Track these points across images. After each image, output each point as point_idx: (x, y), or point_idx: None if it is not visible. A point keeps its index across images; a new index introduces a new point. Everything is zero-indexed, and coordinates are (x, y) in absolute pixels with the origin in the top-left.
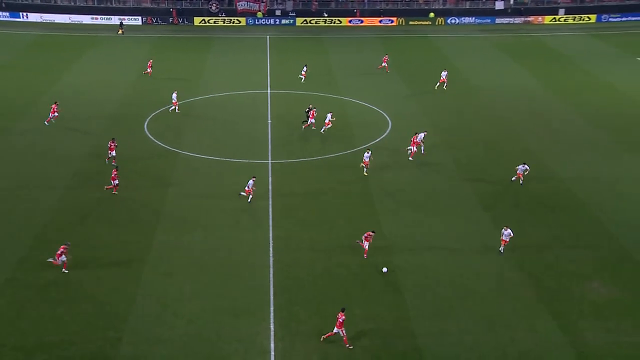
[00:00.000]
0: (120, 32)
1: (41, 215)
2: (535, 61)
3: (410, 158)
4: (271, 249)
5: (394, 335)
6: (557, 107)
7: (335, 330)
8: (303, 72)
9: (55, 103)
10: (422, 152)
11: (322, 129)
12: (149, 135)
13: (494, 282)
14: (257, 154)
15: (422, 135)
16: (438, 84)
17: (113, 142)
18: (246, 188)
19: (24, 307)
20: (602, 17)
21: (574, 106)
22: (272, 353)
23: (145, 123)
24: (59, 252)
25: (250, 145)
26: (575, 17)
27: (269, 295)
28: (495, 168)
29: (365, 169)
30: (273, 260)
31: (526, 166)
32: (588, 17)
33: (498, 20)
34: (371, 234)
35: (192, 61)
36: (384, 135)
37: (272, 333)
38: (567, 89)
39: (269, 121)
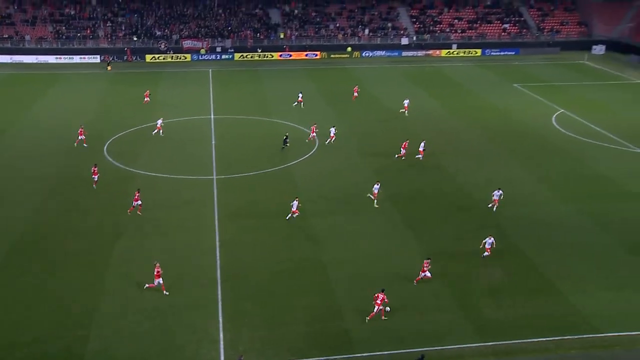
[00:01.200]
0: (109, 68)
1: (16, 227)
2: (435, 87)
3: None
4: (218, 251)
5: (327, 320)
6: (456, 124)
7: (376, 309)
8: (299, 99)
9: (81, 127)
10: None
11: (327, 141)
12: (108, 157)
13: (404, 271)
14: (203, 171)
15: (422, 144)
16: (401, 110)
17: (95, 167)
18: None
19: None
20: (486, 51)
21: (469, 123)
22: (222, 342)
23: (105, 146)
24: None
25: (197, 163)
26: (465, 51)
27: (217, 291)
28: (414, 181)
29: (375, 201)
30: (220, 261)
31: (500, 191)
32: (475, 51)
33: (404, 53)
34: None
35: (143, 93)
36: (312, 152)
37: (220, 325)
38: (462, 109)
39: (213, 142)
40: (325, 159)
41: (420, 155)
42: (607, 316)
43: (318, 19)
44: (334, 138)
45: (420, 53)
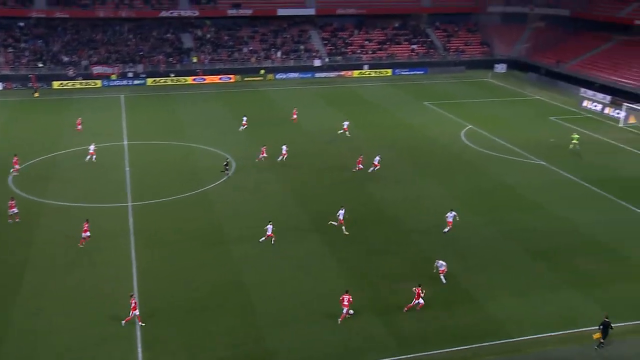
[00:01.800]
0: (36, 95)
1: None
2: (348, 106)
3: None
4: (135, 280)
5: (249, 343)
6: (368, 142)
7: (345, 310)
8: (244, 122)
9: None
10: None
11: (279, 158)
12: (14, 188)
13: (326, 291)
14: (117, 199)
15: (377, 158)
16: (341, 131)
17: (12, 200)
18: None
19: None
20: (396, 71)
21: (381, 140)
22: None
23: (9, 177)
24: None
25: (111, 191)
26: (376, 71)
27: (135, 322)
28: (329, 194)
29: (343, 228)
30: (137, 290)
31: (454, 213)
32: (386, 71)
33: (317, 75)
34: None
35: (52, 120)
36: (230, 174)
37: (139, 355)
38: (374, 127)
39: (127, 169)
40: (244, 181)
41: (374, 168)
42: (518, 321)
43: (231, 43)
44: (285, 155)
45: (332, 74)
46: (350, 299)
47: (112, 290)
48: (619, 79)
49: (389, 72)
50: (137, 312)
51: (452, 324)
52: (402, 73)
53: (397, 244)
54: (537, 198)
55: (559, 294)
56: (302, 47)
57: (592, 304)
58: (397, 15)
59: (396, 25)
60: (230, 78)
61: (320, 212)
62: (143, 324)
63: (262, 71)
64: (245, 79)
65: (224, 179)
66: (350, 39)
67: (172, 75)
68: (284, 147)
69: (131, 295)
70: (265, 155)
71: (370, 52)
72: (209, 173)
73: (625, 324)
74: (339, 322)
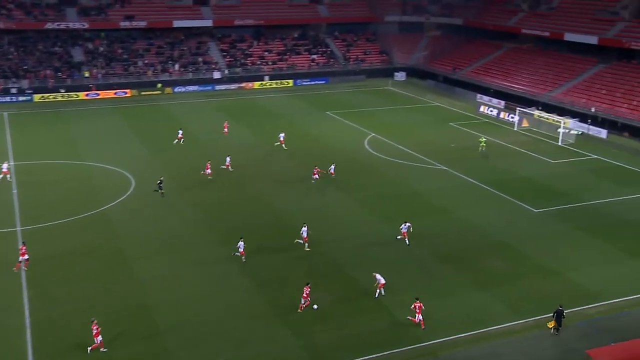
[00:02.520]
0: None
1: None
2: (250, 118)
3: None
4: (27, 310)
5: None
6: (272, 153)
7: (303, 300)
8: (179, 135)
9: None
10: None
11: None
12: None
13: (236, 308)
14: (4, 223)
15: (332, 167)
16: (277, 143)
17: None
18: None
19: None
20: (297, 81)
21: (287, 151)
22: None
23: None
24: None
25: None
26: (277, 82)
27: (28, 354)
28: (231, 207)
29: (306, 245)
30: (30, 318)
31: (408, 224)
32: (287, 82)
33: (217, 87)
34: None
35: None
36: (129, 193)
37: None
38: (276, 137)
39: (14, 191)
40: (143, 200)
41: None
42: (428, 325)
43: (125, 56)
44: (229, 167)
45: (233, 86)
46: (309, 290)
47: (1, 321)
48: (511, 85)
49: (290, 82)
50: (100, 337)
51: (365, 331)
52: (304, 83)
53: (308, 255)
54: (442, 202)
55: (467, 296)
56: (200, 59)
57: (499, 303)
58: (296, 25)
59: (295, 35)
60: (126, 92)
61: (229, 228)
62: (105, 350)
63: (160, 85)
64: (142, 93)
65: (156, 192)
66: (250, 50)
67: (62, 90)
68: (228, 158)
69: (92, 321)
70: (210, 170)
71: (270, 63)
72: (107, 192)
73: (529, 320)
74: (299, 310)
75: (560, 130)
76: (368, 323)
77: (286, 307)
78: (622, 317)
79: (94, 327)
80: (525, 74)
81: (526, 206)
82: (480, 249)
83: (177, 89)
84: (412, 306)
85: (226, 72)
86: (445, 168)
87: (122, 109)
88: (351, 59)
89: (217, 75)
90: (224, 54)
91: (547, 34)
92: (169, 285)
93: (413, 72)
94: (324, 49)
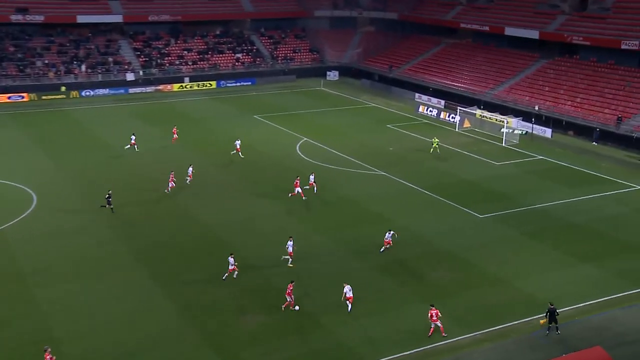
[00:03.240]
0: None
1: None
2: (169, 124)
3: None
4: None
5: None
6: (198, 161)
7: (288, 298)
8: (132, 142)
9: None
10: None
11: (186, 180)
12: None
13: (158, 331)
14: None
15: (312, 177)
16: (234, 152)
17: None
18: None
19: None
20: (221, 82)
21: (207, 159)
22: None
23: None
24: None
25: None
26: (198, 84)
27: None
28: (152, 223)
29: (289, 260)
30: None
31: (392, 232)
32: (209, 84)
33: (131, 90)
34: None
35: None
36: (30, 210)
37: None
38: (201, 144)
39: None
40: (47, 218)
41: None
42: (372, 342)
43: (20, 55)
44: (191, 178)
45: (149, 89)
46: (292, 288)
47: None
48: (451, 83)
49: (213, 84)
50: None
51: (303, 352)
52: (228, 85)
53: (239, 274)
54: (381, 210)
55: (411, 309)
56: (110, 59)
57: (445, 317)
58: (217, 21)
59: (217, 32)
60: (22, 97)
61: (149, 247)
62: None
63: (63, 88)
64: (44, 97)
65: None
66: (167, 49)
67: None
68: (190, 169)
69: (45, 350)
70: (174, 183)
71: (190, 63)
72: (2, 210)
73: (477, 333)
74: (283, 308)
75: (504, 130)
76: (306, 342)
77: (211, 331)
78: (574, 326)
79: (47, 357)
80: (465, 71)
81: (470, 212)
82: (424, 259)
83: (84, 93)
84: (429, 315)
85: (141, 73)
86: (383, 173)
87: (19, 115)
88: (279, 58)
89: (130, 77)
90: (138, 53)
91: (486, 28)
92: (79, 313)
93: (346, 71)
94: (249, 47)
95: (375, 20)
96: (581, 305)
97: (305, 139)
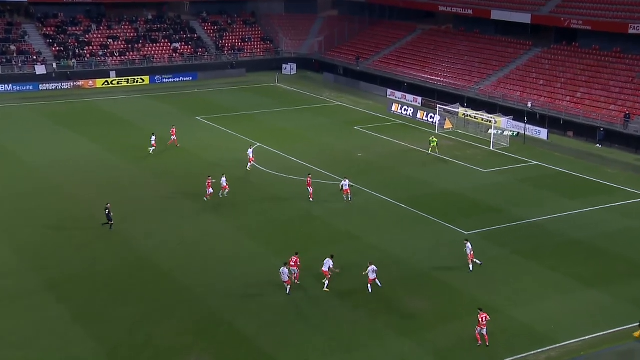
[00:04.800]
0: None
1: None
2: (93, 126)
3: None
4: None
5: None
6: (128, 172)
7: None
8: (153, 142)
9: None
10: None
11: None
12: None
13: None
14: None
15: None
16: (249, 165)
17: None
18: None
19: None
20: (155, 78)
21: (143, 169)
22: None
23: None
24: None
25: None
26: (127, 79)
27: None
28: (71, 254)
29: (326, 284)
30: None
31: (373, 266)
32: (141, 79)
33: (42, 87)
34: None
35: None
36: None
37: None
38: (131, 152)
39: None
40: None
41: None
42: None
43: None
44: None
45: (66, 85)
46: (299, 262)
47: None
48: (429, 77)
49: (146, 79)
50: None
51: None
52: (164, 80)
53: (177, 304)
54: (347, 227)
55: (384, 345)
56: (13, 47)
57: (425, 354)
58: (149, 4)
59: (150, 17)
60: None
61: (66, 277)
62: None
63: None
64: None
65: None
66: (87, 36)
67: None
68: (223, 179)
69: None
70: (212, 189)
71: (117, 55)
72: None
73: None
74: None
75: (492, 131)
76: None
77: None
78: None
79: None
80: (445, 63)
81: (453, 227)
82: (399, 285)
83: None
84: (480, 319)
85: (54, 66)
86: (350, 184)
87: None
88: (226, 48)
89: (40, 70)
90: (50, 41)
91: (469, 12)
92: None
93: (306, 64)
94: (189, 36)
95: (339, 2)
96: (588, 337)
97: (258, 144)
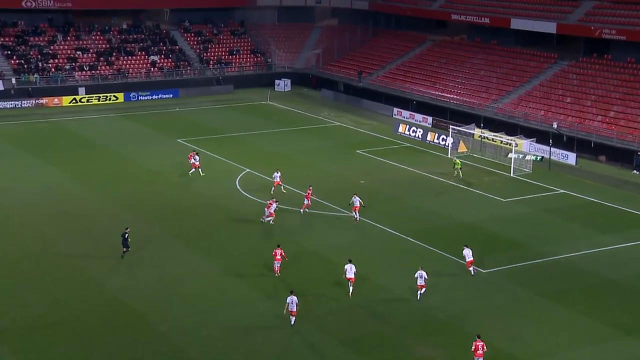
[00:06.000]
0: None
1: None
2: (59, 151)
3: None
4: None
5: None
6: (98, 203)
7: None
8: (197, 163)
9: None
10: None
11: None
12: None
13: None
14: None
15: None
16: (273, 188)
17: None
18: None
19: None
20: (131, 95)
21: (113, 199)
22: None
23: None
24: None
25: None
26: (99, 96)
27: None
28: (27, 295)
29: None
30: None
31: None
32: (114, 96)
33: (0, 104)
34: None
35: None
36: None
37: None
38: (105, 180)
39: None
40: None
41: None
42: None
43: None
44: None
45: (27, 103)
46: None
47: None
48: (441, 94)
49: (120, 97)
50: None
51: None
52: (141, 98)
53: (153, 354)
54: (338, 258)
55: None
56: None
57: None
58: (124, 11)
59: (124, 26)
60: None
61: (23, 320)
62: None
63: None
64: None
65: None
66: (52, 47)
67: None
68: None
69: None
70: (310, 201)
71: (86, 69)
72: None
73: None
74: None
75: (512, 155)
76: None
77: None
78: None
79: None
80: (459, 79)
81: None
82: (409, 331)
83: None
84: (473, 347)
85: (13, 81)
86: (351, 214)
87: None
88: (211, 62)
89: None
90: (8, 52)
91: (486, 20)
92: None
93: (301, 79)
94: (169, 47)
95: (339, 10)
96: None
97: (248, 170)
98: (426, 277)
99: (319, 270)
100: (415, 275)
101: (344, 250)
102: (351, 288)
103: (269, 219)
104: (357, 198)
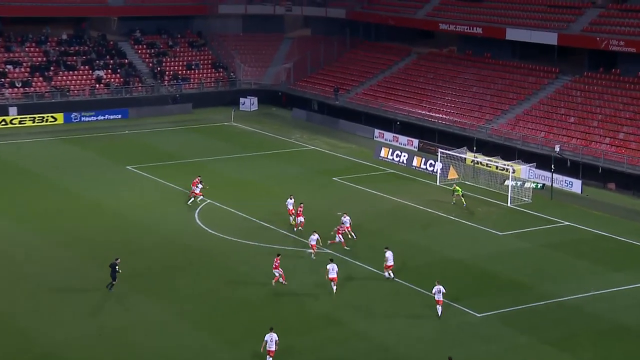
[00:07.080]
0: None
1: None
2: None
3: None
4: None
5: None
6: (34, 242)
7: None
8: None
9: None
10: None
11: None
12: None
13: None
14: None
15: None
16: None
17: None
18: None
19: None
20: (72, 115)
21: (49, 236)
22: None
23: None
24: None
25: None
26: (34, 117)
27: None
28: None
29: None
30: None
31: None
32: (53, 117)
33: None
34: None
35: None
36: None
37: None
38: (41, 215)
39: None
40: None
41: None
42: None
43: None
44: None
45: None
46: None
47: None
48: (428, 113)
49: (59, 118)
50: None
51: None
52: (84, 119)
53: None
54: (326, 309)
55: None
56: None
57: None
58: (64, 19)
59: (64, 36)
60: None
61: None
62: None
63: None
64: None
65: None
66: None
67: None
68: (347, 219)
69: None
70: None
71: (19, 85)
72: None
73: None
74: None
75: (509, 182)
76: None
77: None
78: None
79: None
80: (449, 96)
81: (463, 308)
82: None
83: None
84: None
85: None
86: (327, 251)
87: None
88: (166, 78)
89: None
90: None
91: (478, 30)
92: None
93: (270, 97)
94: (117, 61)
95: (312, 19)
96: None
97: (209, 200)
98: (444, 291)
99: (291, 316)
100: (433, 291)
101: (320, 292)
102: (334, 287)
103: (310, 251)
104: (348, 218)
